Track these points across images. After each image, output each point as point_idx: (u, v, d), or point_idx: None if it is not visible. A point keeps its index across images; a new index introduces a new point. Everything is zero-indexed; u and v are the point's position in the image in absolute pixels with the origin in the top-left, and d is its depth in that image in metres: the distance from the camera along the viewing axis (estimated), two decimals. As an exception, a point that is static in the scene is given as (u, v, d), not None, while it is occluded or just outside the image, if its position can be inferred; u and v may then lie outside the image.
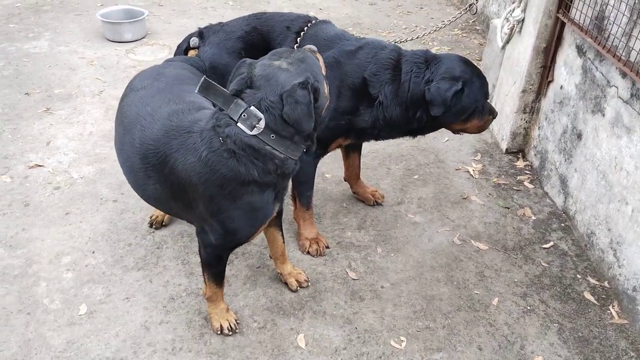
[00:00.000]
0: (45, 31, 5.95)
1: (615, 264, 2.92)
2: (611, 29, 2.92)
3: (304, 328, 2.71)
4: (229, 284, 2.94)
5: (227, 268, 3.00)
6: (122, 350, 2.58)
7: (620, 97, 2.88)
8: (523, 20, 3.79)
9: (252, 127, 2.07)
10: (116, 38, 5.72)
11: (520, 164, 4.00)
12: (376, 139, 3.11)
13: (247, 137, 2.08)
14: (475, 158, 4.08)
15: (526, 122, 3.97)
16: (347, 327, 2.73)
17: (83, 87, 4.85)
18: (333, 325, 2.73)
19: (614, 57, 2.83)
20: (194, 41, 3.04)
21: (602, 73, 3.06)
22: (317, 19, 3.12)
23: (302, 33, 2.98)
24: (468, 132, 3.02)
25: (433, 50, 2.98)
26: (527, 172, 3.91)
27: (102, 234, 3.25)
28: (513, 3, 3.89)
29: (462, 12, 3.70)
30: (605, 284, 2.99)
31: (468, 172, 3.92)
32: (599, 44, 2.98)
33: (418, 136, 3.09)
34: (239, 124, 2.08)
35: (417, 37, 4.07)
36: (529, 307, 2.87)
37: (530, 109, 3.91)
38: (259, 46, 3.01)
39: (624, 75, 2.84)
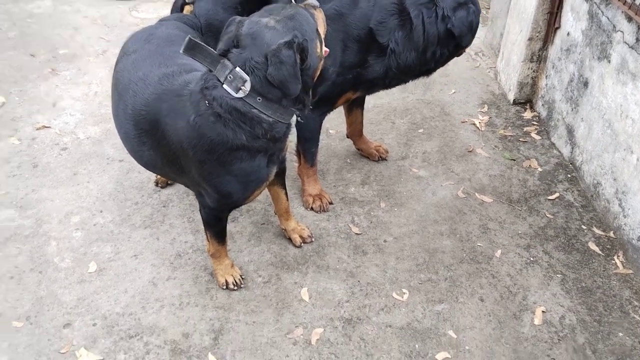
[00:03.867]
0: (48, -10, 5.89)
1: (620, 214, 2.91)
2: (618, -28, 2.82)
3: (307, 282, 2.76)
4: (233, 241, 2.98)
5: (232, 225, 3.06)
6: (131, 306, 2.65)
7: (625, 43, 2.80)
8: (530, -35, 3.66)
9: (238, 90, 2.02)
10: (119, -5, 5.65)
11: (527, 114, 3.94)
12: (387, 88, 3.09)
13: (233, 99, 2.05)
14: (482, 110, 4.03)
15: (533, 71, 3.89)
16: (350, 281, 2.77)
17: (87, 47, 4.83)
18: (336, 279, 2.77)
19: (619, 0, 2.74)
20: (190, -4, 2.98)
21: (608, 18, 2.97)
22: (315, -32, 3.04)
23: (299, -16, 2.91)
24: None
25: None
26: (534, 123, 3.86)
27: (109, 193, 3.30)
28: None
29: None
30: (611, 234, 2.99)
31: (474, 124, 3.88)
32: (606, -12, 2.89)
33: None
34: (224, 86, 2.04)
35: None
36: (532, 259, 2.89)
37: (538, 57, 3.83)
38: (256, 0, 2.95)
39: (629, 19, 2.76)
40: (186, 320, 2.58)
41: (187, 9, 2.99)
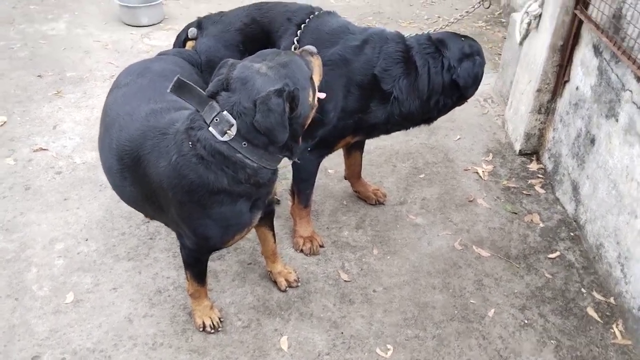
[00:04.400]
0: (65, 13, 5.96)
1: (622, 280, 2.77)
2: (627, 29, 2.74)
3: (288, 330, 2.64)
4: (217, 280, 2.89)
5: (217, 263, 2.98)
6: (103, 342, 2.55)
7: (634, 103, 2.71)
8: (540, 15, 3.60)
9: (224, 133, 1.96)
10: (133, 22, 5.70)
11: (533, 166, 3.83)
12: (387, 133, 3.06)
13: (217, 142, 1.98)
14: (487, 158, 3.93)
15: (541, 122, 3.79)
16: (333, 332, 2.65)
17: (95, 71, 4.84)
18: (319, 329, 2.65)
19: (629, 59, 2.65)
20: (192, 32, 2.95)
21: (617, 75, 2.88)
22: (321, 10, 3.01)
23: (303, 26, 2.88)
24: None
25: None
26: (539, 175, 3.75)
27: (97, 221, 3.23)
28: (535, -3, 3.71)
29: (476, 6, 3.54)
30: (611, 300, 2.84)
31: (477, 173, 3.77)
32: (614, 44, 2.80)
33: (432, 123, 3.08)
34: (210, 128, 1.97)
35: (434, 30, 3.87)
36: (526, 321, 2.74)
37: (546, 109, 3.74)
38: (258, 39, 2.92)
39: (638, 79, 2.67)
40: (158, 363, 2.47)
41: (190, 44, 2.97)
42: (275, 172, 2.17)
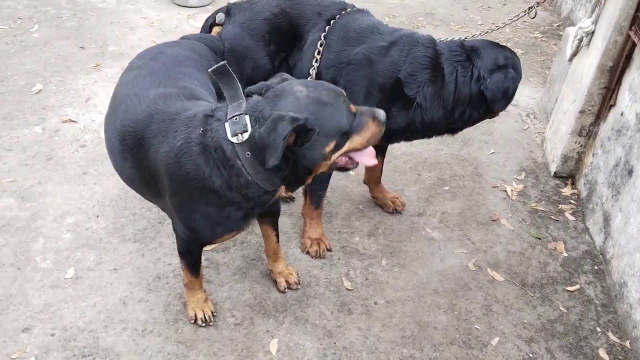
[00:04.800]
0: (117, -13, 6.03)
1: (641, 324, 2.58)
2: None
3: (280, 333, 2.57)
4: (218, 272, 2.84)
5: (221, 255, 2.93)
6: (95, 322, 2.55)
7: (677, 138, 2.50)
8: (593, 33, 3.38)
9: (235, 134, 1.89)
10: (182, 2, 5.71)
11: (567, 191, 3.62)
12: (408, 140, 2.96)
13: (225, 140, 1.92)
14: (518, 177, 3.73)
15: (581, 146, 3.57)
16: (326, 341, 2.56)
17: (136, 48, 4.85)
18: (311, 336, 2.57)
19: (676, 91, 2.44)
20: (220, 17, 2.89)
21: (663, 106, 2.67)
22: (354, 6, 2.90)
23: (332, 22, 2.78)
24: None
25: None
26: (572, 201, 3.53)
27: (111, 199, 3.23)
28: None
29: (520, 15, 3.35)
30: (627, 344, 2.65)
31: (505, 191, 3.59)
32: (665, 73, 2.59)
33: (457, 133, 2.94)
34: (226, 124, 1.92)
35: (474, 36, 3.65)
36: (531, 355, 2.58)
37: (587, 132, 3.51)
38: (285, 31, 2.83)
39: (684, 113, 2.45)
40: (144, 350, 2.45)
41: (216, 29, 2.92)
42: (269, 193, 2.07)
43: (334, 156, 1.98)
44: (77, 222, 3.07)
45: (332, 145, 1.93)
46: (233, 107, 1.95)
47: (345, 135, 1.95)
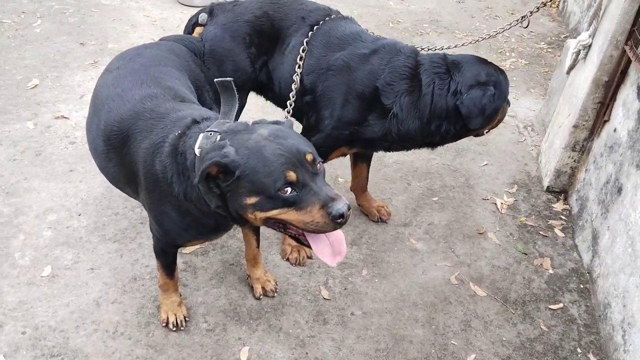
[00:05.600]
0: (123, -16, 6.05)
1: (621, 347, 2.51)
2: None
3: (252, 341, 2.54)
4: (195, 276, 2.82)
5: (200, 259, 2.91)
6: (66, 322, 2.53)
7: (663, 158, 2.43)
8: (590, 46, 3.32)
9: (200, 147, 1.85)
10: (186, 1, 5.71)
11: (558, 206, 3.55)
12: (387, 151, 2.90)
13: (191, 148, 1.89)
14: (510, 190, 3.67)
15: (574, 161, 3.51)
16: (298, 351, 2.52)
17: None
18: (283, 345, 2.54)
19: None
20: (202, 18, 2.87)
21: (652, 125, 2.60)
22: (339, 13, 2.87)
23: (315, 27, 2.74)
24: (489, 131, 2.83)
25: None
26: (562, 217, 3.47)
27: (95, 197, 3.22)
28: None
29: (512, 24, 3.31)
30: (607, 367, 2.58)
31: (495, 204, 3.53)
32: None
33: (437, 147, 2.91)
34: (201, 135, 1.88)
35: (465, 44, 3.52)
36: (507, 374, 2.53)
37: (581, 147, 3.45)
38: (268, 34, 2.81)
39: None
40: (113, 352, 2.43)
41: (198, 30, 2.89)
42: (226, 218, 1.97)
43: (261, 215, 1.79)
44: (59, 219, 3.06)
45: (252, 200, 1.76)
46: (218, 123, 1.93)
47: (271, 200, 1.74)
